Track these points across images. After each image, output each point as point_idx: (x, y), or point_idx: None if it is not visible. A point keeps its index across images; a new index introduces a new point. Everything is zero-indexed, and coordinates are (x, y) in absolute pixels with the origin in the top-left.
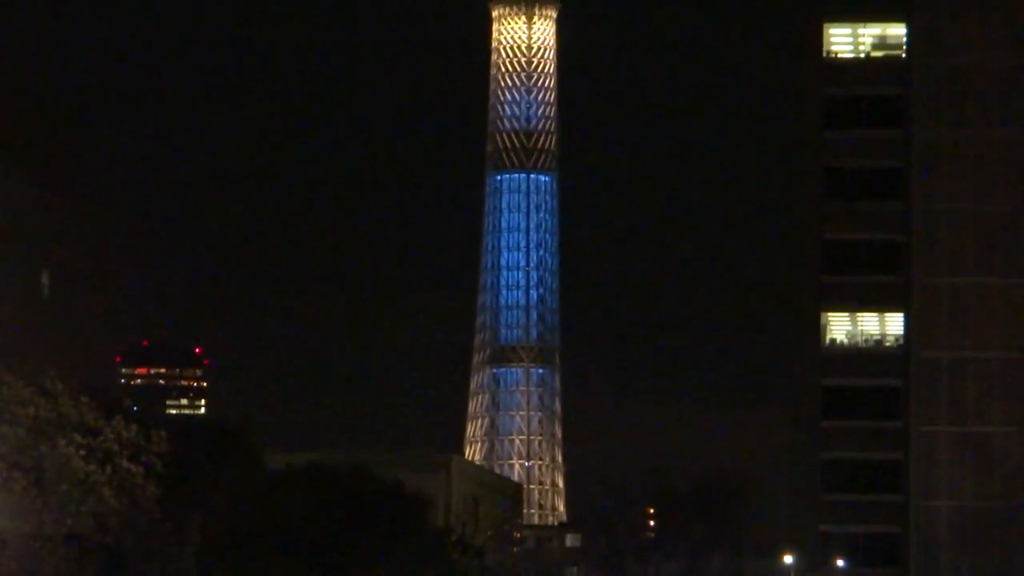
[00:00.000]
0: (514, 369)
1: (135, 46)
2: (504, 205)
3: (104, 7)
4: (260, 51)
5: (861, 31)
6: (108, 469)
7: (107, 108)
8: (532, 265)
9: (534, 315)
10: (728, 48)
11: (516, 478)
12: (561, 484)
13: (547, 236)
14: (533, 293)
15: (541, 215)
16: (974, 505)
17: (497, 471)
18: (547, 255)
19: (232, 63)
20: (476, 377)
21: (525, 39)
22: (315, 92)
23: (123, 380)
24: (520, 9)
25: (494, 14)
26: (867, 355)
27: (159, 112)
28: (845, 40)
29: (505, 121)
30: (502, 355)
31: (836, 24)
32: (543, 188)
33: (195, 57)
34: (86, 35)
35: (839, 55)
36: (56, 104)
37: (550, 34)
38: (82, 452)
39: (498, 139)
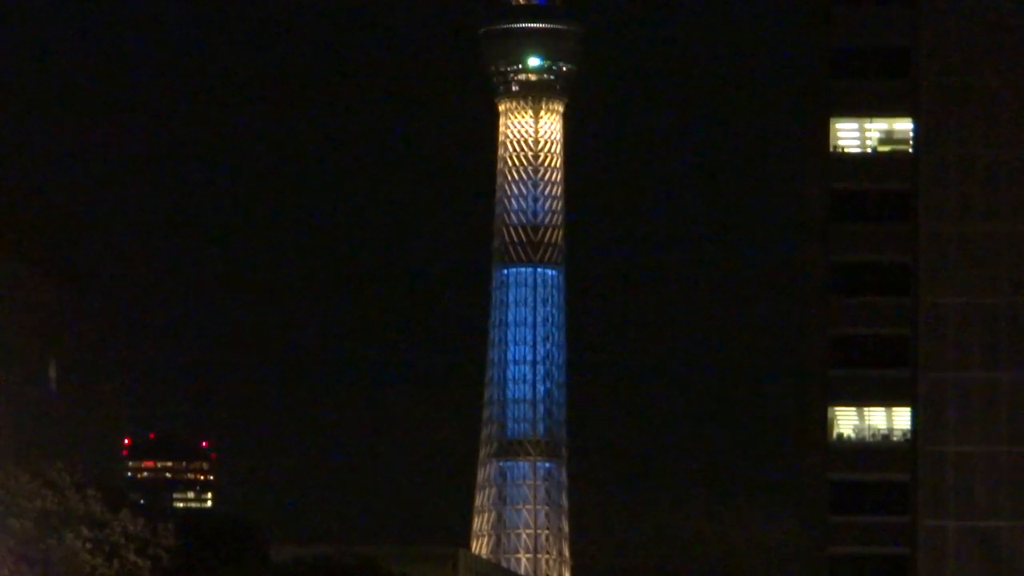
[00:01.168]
0: (521, 463)
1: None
2: (511, 299)
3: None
4: (264, 147)
5: (868, 125)
6: (115, 563)
7: (108, 191)
8: (539, 359)
9: (541, 409)
10: (733, 143)
11: (523, 572)
12: None
13: (554, 330)
14: (540, 387)
15: (548, 309)
16: None
17: (504, 565)
18: (554, 349)
19: (231, 170)
20: (483, 471)
21: (532, 133)
22: (322, 186)
23: (130, 473)
24: (527, 104)
25: (501, 108)
26: (874, 449)
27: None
28: (852, 135)
29: (512, 215)
30: (509, 449)
31: (843, 119)
32: (550, 282)
33: (192, 148)
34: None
35: (846, 150)
36: (58, 194)
37: (557, 128)
38: (89, 545)
39: (505, 233)
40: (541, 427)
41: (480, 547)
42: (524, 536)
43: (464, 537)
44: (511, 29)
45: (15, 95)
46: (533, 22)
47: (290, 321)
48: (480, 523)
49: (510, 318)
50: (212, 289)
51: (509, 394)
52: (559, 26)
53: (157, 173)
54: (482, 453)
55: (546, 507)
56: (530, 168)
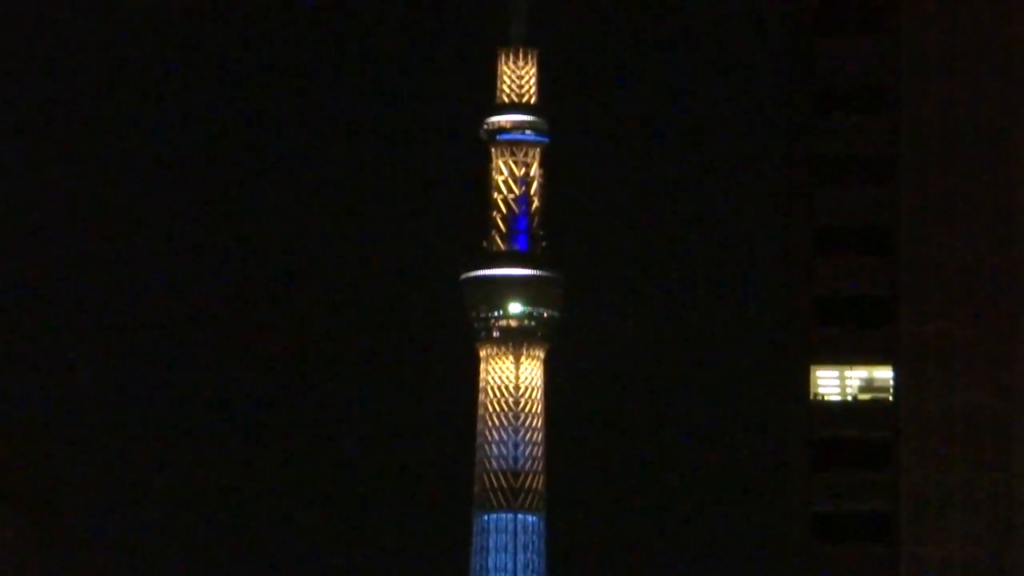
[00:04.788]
0: None
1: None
2: (491, 545)
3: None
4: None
5: (848, 374)
6: None
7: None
8: None
9: None
10: (710, 395)
11: None
12: None
13: None
14: None
15: (528, 555)
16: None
17: None
18: None
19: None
20: None
21: (512, 379)
22: (314, 437)
23: None
24: (507, 350)
25: (481, 354)
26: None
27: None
28: (832, 383)
29: (492, 461)
30: None
31: (823, 367)
32: (531, 528)
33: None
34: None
35: (826, 398)
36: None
37: (537, 375)
38: None
39: (485, 479)
40: None
41: None
42: None
43: None
44: (492, 276)
45: None
46: (514, 268)
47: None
48: None
49: (491, 564)
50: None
51: None
52: (541, 273)
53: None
54: None
55: None
56: (511, 414)
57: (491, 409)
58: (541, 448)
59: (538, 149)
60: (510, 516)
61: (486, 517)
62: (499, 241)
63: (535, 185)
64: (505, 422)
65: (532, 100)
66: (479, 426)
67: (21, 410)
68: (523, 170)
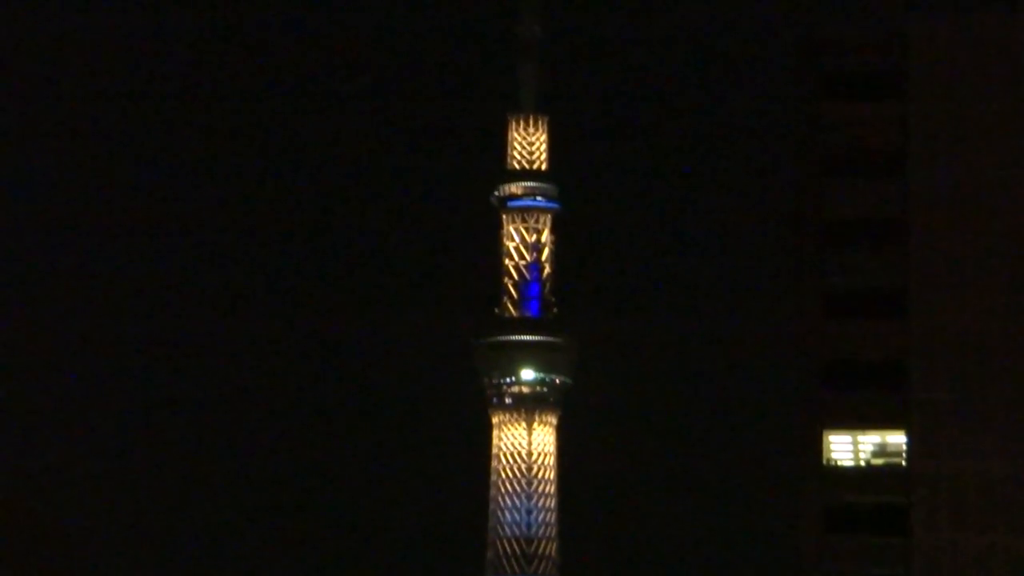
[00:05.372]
0: None
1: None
2: None
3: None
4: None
5: (861, 438)
6: None
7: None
8: None
9: None
10: (722, 455)
11: None
12: None
13: None
14: None
15: None
16: None
17: None
18: None
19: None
20: None
21: (525, 446)
22: (325, 490)
23: None
24: (520, 416)
25: (494, 420)
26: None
27: None
28: (845, 448)
29: (505, 527)
30: None
31: (836, 432)
32: None
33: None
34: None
35: (839, 463)
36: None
37: (550, 441)
38: None
39: (498, 545)
40: None
41: None
42: None
43: None
44: (505, 342)
45: None
46: (526, 335)
47: None
48: None
49: None
50: None
51: None
52: (553, 339)
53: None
54: None
55: None
56: (523, 480)
57: (504, 475)
58: (554, 514)
59: (549, 215)
60: None
61: None
62: (511, 307)
63: (546, 251)
64: (518, 488)
65: (543, 166)
66: (492, 492)
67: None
68: (534, 236)
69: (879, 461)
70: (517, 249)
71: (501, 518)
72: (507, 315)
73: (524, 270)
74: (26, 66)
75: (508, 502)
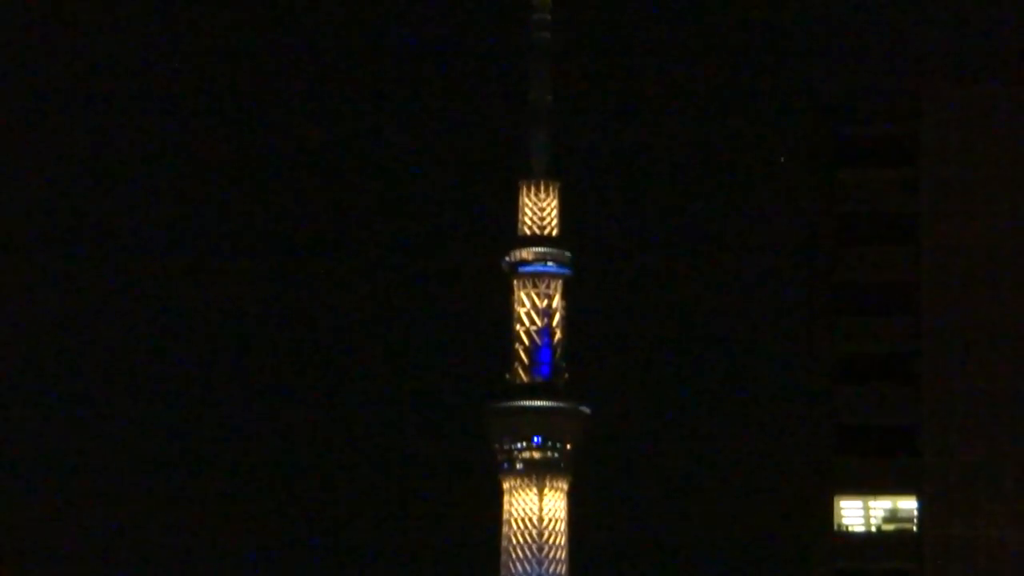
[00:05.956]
0: None
1: None
2: None
3: None
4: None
5: (872, 504)
6: None
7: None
8: None
9: None
10: (731, 531)
11: None
12: None
13: None
14: None
15: None
16: None
17: None
18: None
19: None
20: None
21: (536, 512)
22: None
23: None
24: (531, 482)
25: (505, 486)
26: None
27: None
28: (856, 513)
29: None
30: None
31: (847, 497)
32: None
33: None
34: None
35: (850, 528)
36: None
37: (561, 507)
38: None
39: None
40: None
41: None
42: None
43: None
44: (516, 408)
45: None
46: (538, 400)
47: None
48: None
49: None
50: None
51: None
52: (564, 405)
53: None
54: None
55: None
56: (534, 546)
57: (515, 541)
58: None
59: (560, 281)
60: None
61: None
62: (522, 373)
63: (557, 317)
64: (529, 554)
65: (554, 232)
66: (503, 558)
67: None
68: (545, 302)
69: (890, 527)
70: (528, 314)
71: None
72: (518, 380)
73: (535, 335)
74: (26, 66)
75: (519, 569)
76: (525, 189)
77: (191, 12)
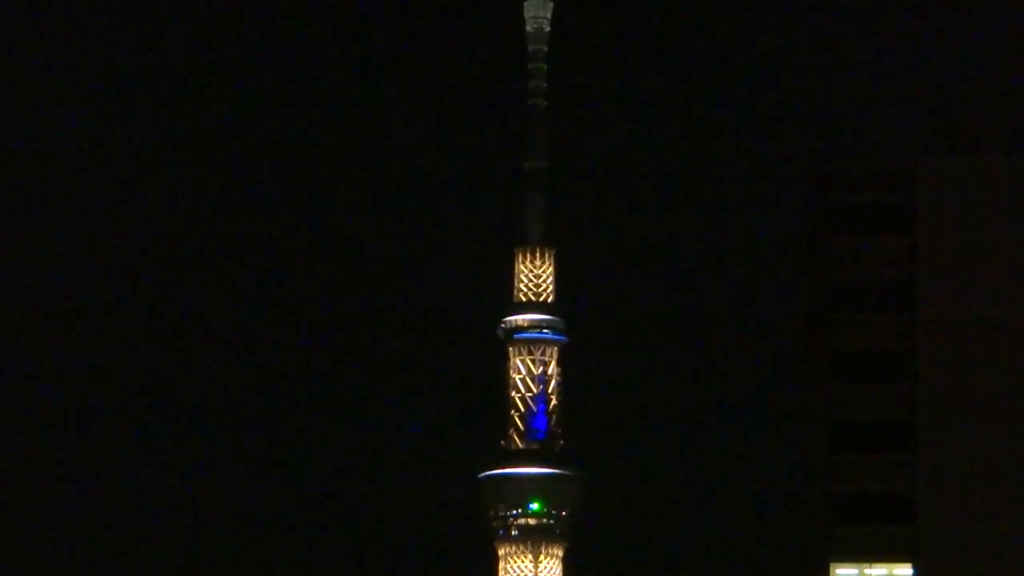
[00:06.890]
0: None
1: None
2: None
3: None
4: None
5: (868, 571)
6: None
7: None
8: None
9: None
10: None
11: None
12: None
13: None
14: None
15: None
16: None
17: None
18: None
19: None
20: None
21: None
22: None
23: None
24: (526, 548)
25: (500, 553)
26: None
27: None
28: None
29: None
30: None
31: (843, 565)
32: None
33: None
34: None
35: None
36: None
37: (557, 573)
38: None
39: None
40: None
41: None
42: None
43: None
44: (511, 475)
45: None
46: (533, 467)
47: None
48: None
49: None
50: None
51: None
52: (559, 471)
53: None
54: None
55: None
56: None
57: None
58: None
59: (556, 348)
60: None
61: None
62: (517, 439)
63: (553, 383)
64: None
65: (549, 299)
66: None
67: None
68: (541, 368)
69: None
70: (524, 381)
71: None
72: (513, 447)
73: (531, 402)
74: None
75: None
76: (521, 256)
77: (191, 12)
